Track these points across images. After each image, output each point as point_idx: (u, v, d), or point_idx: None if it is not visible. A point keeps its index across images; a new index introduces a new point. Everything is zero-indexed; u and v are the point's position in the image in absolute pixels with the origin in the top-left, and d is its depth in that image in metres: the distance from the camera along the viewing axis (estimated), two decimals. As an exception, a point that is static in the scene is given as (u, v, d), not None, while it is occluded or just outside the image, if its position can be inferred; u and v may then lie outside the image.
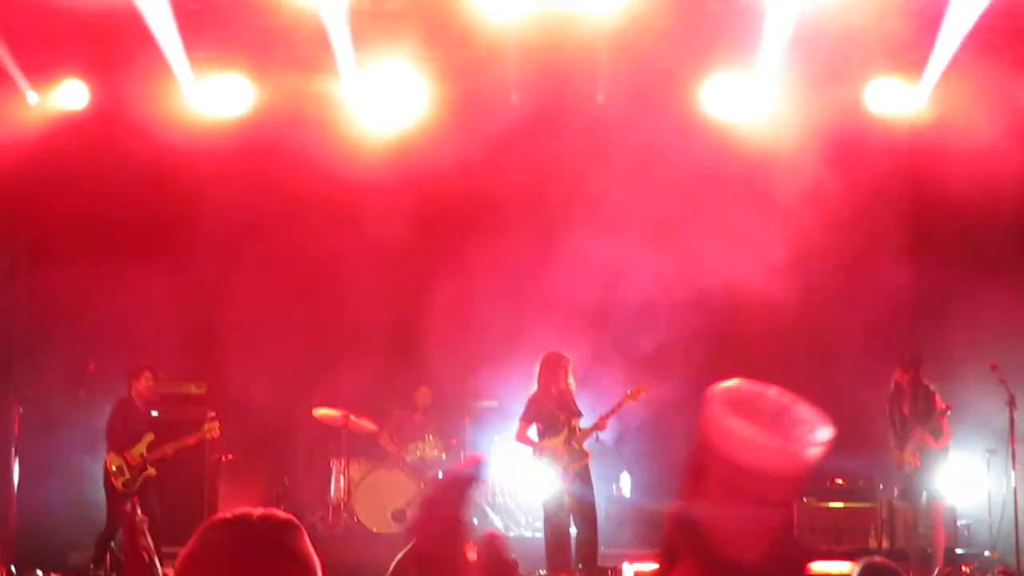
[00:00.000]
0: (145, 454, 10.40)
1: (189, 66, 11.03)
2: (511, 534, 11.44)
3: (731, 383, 2.09)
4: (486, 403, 12.34)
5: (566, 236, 11.95)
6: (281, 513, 1.95)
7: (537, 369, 10.19)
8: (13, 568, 10.31)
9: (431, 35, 11.08)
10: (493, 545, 1.87)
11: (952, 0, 10.09)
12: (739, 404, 2.02)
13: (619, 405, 9.99)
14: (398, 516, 11.57)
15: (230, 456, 11.51)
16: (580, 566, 9.85)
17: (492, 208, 12.08)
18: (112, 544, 10.04)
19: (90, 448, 10.92)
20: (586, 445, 10.09)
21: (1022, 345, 11.29)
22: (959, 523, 11.37)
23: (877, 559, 4.72)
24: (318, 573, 1.94)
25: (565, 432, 10.03)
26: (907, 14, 10.35)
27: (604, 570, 10.01)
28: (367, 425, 12.12)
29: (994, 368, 10.20)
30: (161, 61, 10.77)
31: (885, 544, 11.36)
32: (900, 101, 11.47)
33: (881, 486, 11.48)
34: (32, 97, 11.39)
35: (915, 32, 10.53)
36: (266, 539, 1.90)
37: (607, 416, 10.01)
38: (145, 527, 4.24)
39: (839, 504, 11.53)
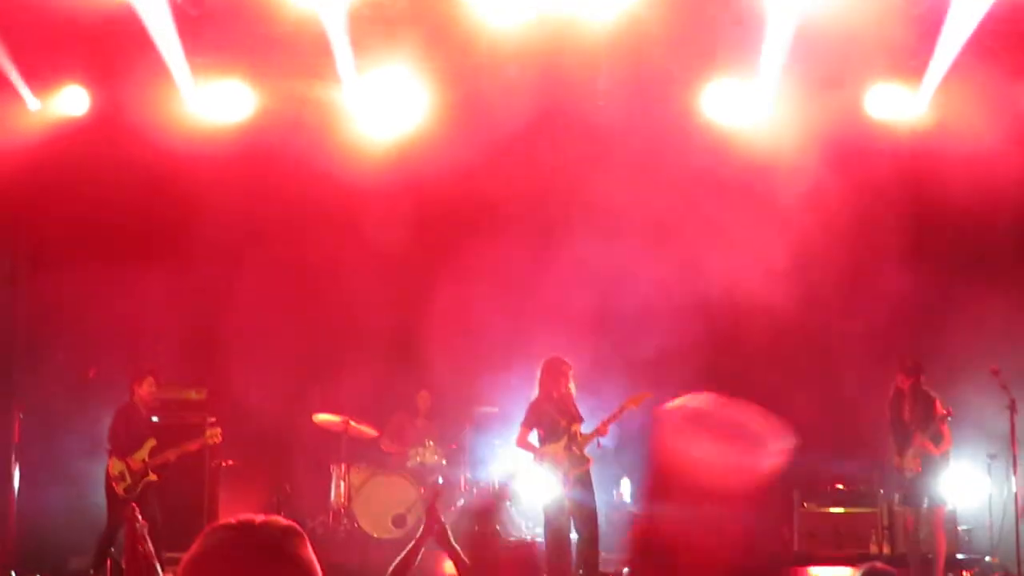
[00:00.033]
0: (147, 459, 10.38)
1: (189, 72, 11.02)
2: (512, 539, 11.41)
3: (684, 399, 2.11)
4: (487, 408, 12.31)
5: (567, 241, 11.95)
6: (283, 519, 1.96)
7: (538, 374, 10.19)
8: (14, 573, 10.31)
9: (431, 40, 11.07)
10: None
11: (952, 5, 10.08)
12: (695, 419, 2.04)
13: (620, 410, 9.98)
14: (398, 521, 11.57)
15: (230, 461, 11.49)
16: (581, 571, 9.85)
17: (492, 213, 12.09)
18: (112, 549, 10.03)
19: (90, 453, 10.91)
20: (587, 451, 10.08)
21: (1023, 350, 11.27)
22: (960, 528, 11.36)
23: (878, 564, 4.73)
24: (319, 579, 1.94)
25: (566, 438, 10.03)
26: (907, 19, 10.33)
27: (604, 575, 10.00)
28: (367, 431, 12.12)
29: (995, 373, 10.17)
30: (161, 67, 10.76)
31: (886, 549, 11.34)
32: (901, 106, 11.45)
33: (882, 491, 11.47)
34: (33, 103, 11.39)
35: (915, 37, 10.53)
36: (268, 545, 1.90)
37: (608, 421, 10.00)
38: (146, 532, 4.24)
39: (839, 509, 11.53)
